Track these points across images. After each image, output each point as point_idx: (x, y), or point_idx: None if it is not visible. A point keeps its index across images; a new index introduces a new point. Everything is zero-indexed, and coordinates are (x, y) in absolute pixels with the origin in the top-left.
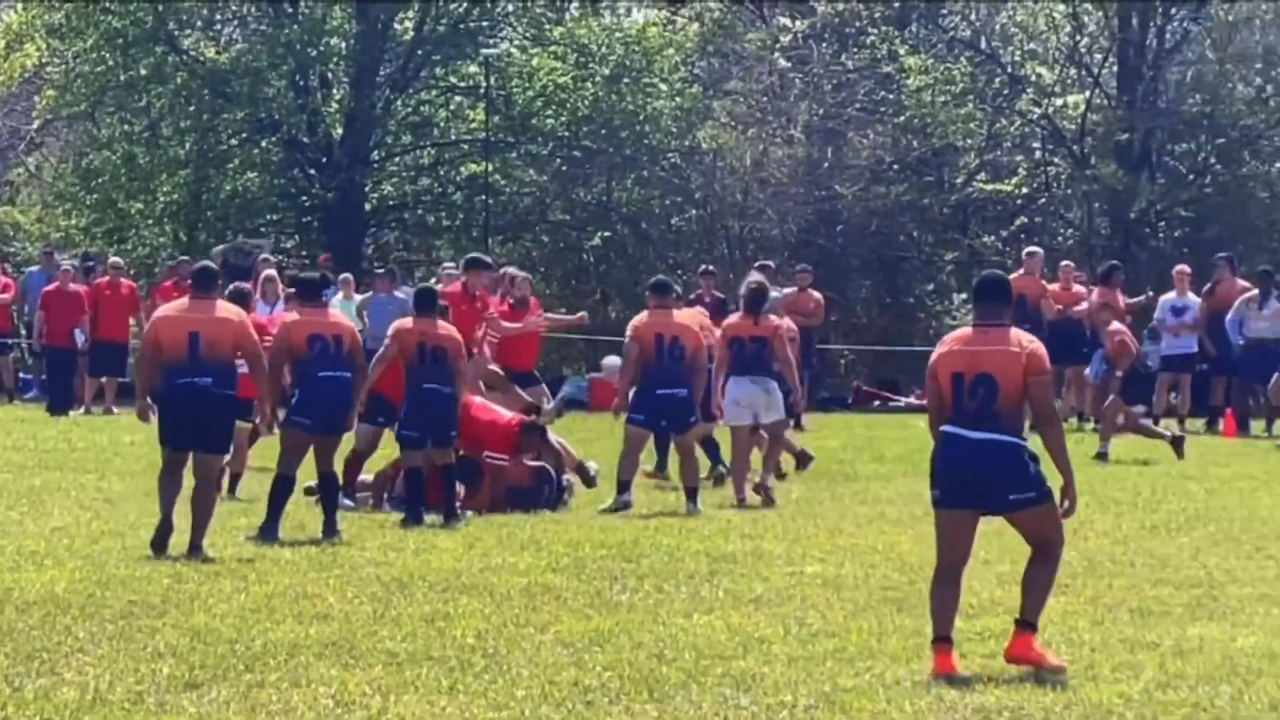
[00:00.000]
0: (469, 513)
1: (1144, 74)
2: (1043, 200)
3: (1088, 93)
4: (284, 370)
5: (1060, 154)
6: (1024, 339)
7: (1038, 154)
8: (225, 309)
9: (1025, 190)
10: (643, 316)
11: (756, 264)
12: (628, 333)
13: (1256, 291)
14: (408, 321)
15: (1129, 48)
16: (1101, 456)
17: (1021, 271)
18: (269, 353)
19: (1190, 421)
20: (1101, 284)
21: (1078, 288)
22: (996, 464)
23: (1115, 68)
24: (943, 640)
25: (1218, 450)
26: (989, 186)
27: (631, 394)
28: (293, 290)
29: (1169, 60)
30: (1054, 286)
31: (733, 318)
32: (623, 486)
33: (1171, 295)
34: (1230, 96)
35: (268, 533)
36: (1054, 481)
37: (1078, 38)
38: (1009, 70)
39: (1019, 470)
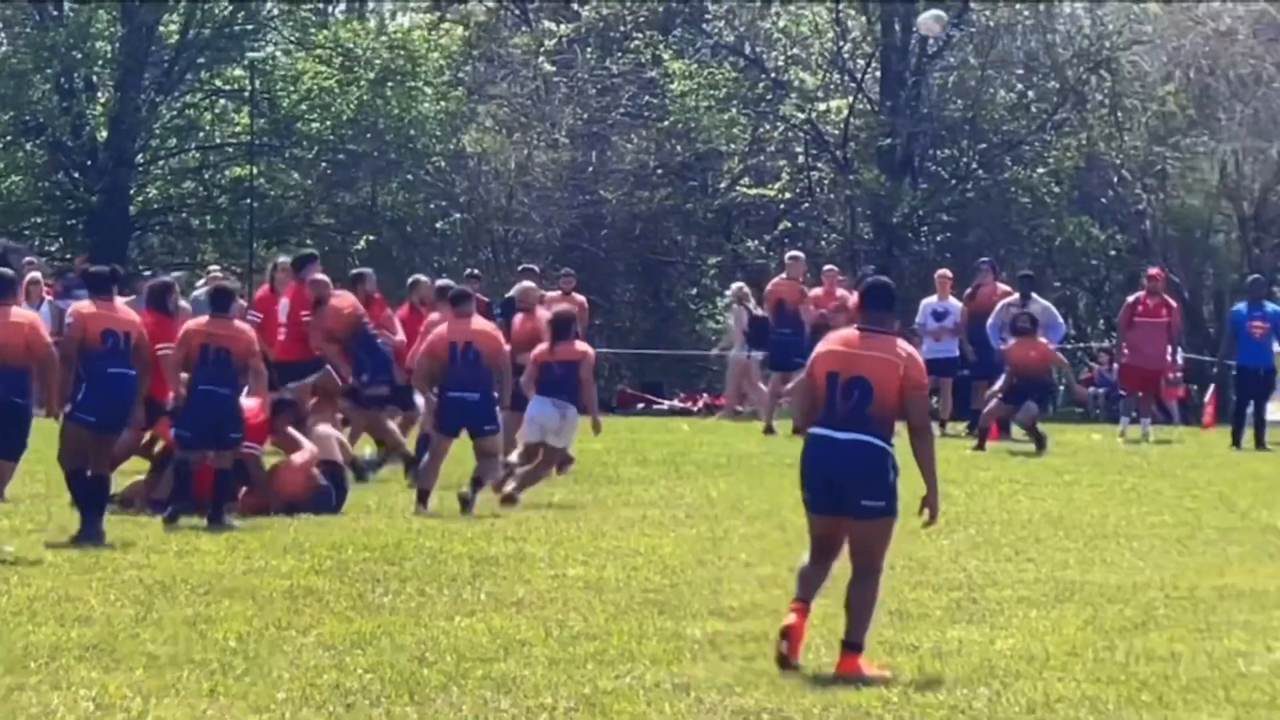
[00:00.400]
0: (232, 519)
1: (906, 79)
2: (806, 205)
3: (850, 98)
4: (73, 360)
5: (823, 159)
6: (905, 349)
7: (801, 159)
8: (19, 314)
9: (789, 195)
10: (441, 329)
11: (520, 268)
12: (423, 348)
13: (1017, 295)
14: (197, 322)
15: (891, 53)
16: None
17: (784, 276)
18: (61, 342)
19: (952, 425)
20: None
21: (841, 292)
22: (857, 465)
23: (878, 73)
24: (801, 600)
25: (978, 454)
26: (752, 191)
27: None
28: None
29: (931, 66)
30: (816, 291)
31: (542, 346)
32: (421, 496)
33: (933, 299)
34: (992, 102)
35: (92, 533)
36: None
37: (841, 43)
38: (772, 75)
39: (878, 476)
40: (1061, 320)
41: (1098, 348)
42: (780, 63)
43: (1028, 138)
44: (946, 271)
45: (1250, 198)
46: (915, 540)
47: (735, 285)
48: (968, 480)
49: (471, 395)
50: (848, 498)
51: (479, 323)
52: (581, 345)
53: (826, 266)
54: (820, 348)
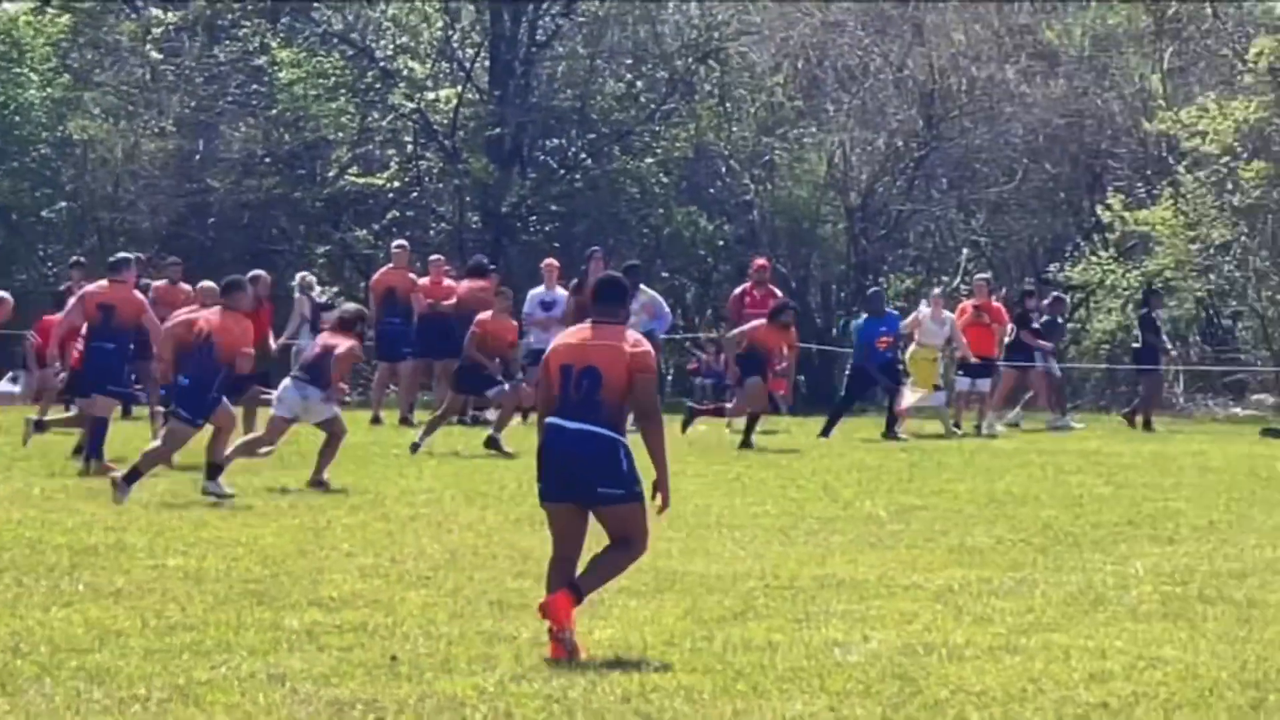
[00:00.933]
0: None
1: (516, 69)
2: (415, 194)
3: (460, 87)
4: None
5: (432, 148)
6: (634, 338)
7: (410, 148)
8: None
9: (397, 184)
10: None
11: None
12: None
13: None
14: None
15: (501, 42)
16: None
17: (390, 266)
18: None
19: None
20: (470, 278)
21: (448, 281)
22: (589, 455)
23: (488, 63)
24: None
25: None
26: (361, 180)
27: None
28: None
29: (541, 55)
30: (425, 280)
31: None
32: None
33: (540, 289)
34: (601, 92)
35: None
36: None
37: (450, 32)
38: (381, 64)
39: (611, 465)
40: (668, 310)
41: (705, 338)
42: (389, 51)
43: (636, 128)
44: (553, 261)
45: (857, 188)
46: (519, 530)
47: (299, 275)
48: None
49: (182, 380)
50: (583, 487)
51: (224, 317)
52: (348, 340)
53: (433, 256)
54: (555, 342)
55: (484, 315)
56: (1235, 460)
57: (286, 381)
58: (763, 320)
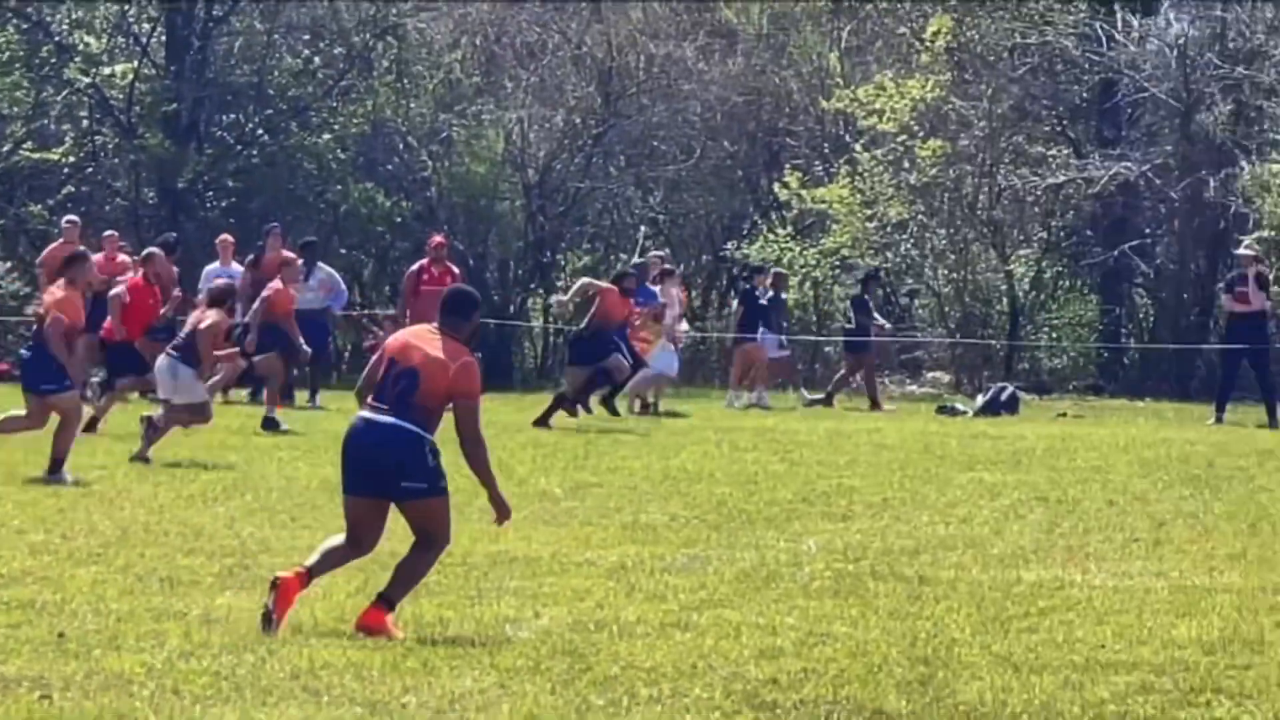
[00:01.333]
0: None
1: (192, 44)
2: (90, 170)
3: (136, 62)
4: None
5: (108, 123)
6: (464, 359)
7: (85, 123)
8: None
9: (73, 159)
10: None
11: None
12: None
13: (301, 261)
14: None
15: (178, 17)
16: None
17: (61, 241)
18: None
19: (236, 391)
20: (165, 253)
21: (123, 258)
22: (394, 448)
23: (164, 37)
24: (306, 568)
25: (260, 425)
26: (36, 155)
27: None
28: None
29: (218, 31)
30: (99, 256)
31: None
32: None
33: (216, 265)
34: (278, 67)
35: None
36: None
37: (126, 6)
38: (57, 39)
39: (416, 460)
40: (345, 287)
41: (382, 315)
42: (65, 26)
43: (314, 104)
44: (228, 236)
45: (535, 165)
46: (191, 506)
47: None
48: (247, 446)
49: (24, 354)
50: (387, 481)
51: (59, 290)
52: (215, 315)
53: (107, 232)
54: (399, 333)
55: (276, 283)
56: (910, 438)
57: (160, 360)
58: (609, 288)
